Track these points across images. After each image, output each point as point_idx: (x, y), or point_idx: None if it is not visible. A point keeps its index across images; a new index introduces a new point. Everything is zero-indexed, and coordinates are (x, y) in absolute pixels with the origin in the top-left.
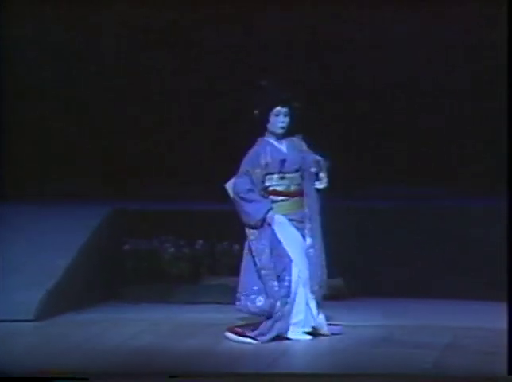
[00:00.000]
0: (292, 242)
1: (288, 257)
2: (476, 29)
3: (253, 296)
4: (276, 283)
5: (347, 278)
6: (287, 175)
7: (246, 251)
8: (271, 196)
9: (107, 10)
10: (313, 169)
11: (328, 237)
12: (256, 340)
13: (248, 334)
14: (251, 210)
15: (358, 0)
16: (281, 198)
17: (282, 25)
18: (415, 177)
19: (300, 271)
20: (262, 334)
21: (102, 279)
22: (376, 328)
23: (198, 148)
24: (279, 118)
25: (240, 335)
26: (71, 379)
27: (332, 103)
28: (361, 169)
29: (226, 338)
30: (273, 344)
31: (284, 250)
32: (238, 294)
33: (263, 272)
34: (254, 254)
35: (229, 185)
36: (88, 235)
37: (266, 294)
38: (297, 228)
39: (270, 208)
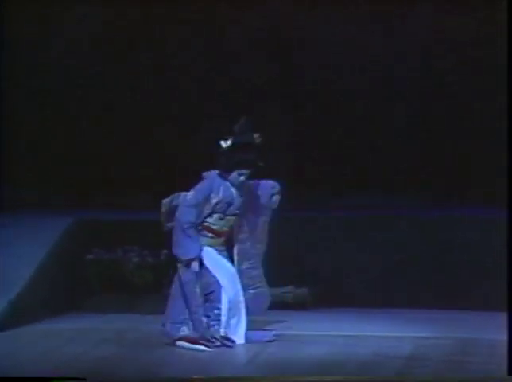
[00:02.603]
0: (220, 268)
1: (218, 283)
2: (476, 29)
3: (178, 325)
4: (204, 319)
5: (311, 287)
6: (226, 217)
7: (175, 278)
8: (204, 231)
9: (107, 10)
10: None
11: (293, 247)
12: (208, 347)
13: (200, 342)
14: (185, 245)
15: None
16: (211, 235)
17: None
18: (411, 186)
19: (229, 298)
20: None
21: (65, 289)
22: (341, 337)
23: (161, 158)
24: (240, 178)
25: (192, 342)
26: (70, 379)
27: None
28: (339, 178)
29: (178, 347)
30: (240, 350)
31: (213, 277)
32: (163, 320)
33: (193, 303)
34: (182, 282)
35: (166, 202)
36: (51, 245)
37: (193, 325)
38: (223, 255)
39: (201, 250)
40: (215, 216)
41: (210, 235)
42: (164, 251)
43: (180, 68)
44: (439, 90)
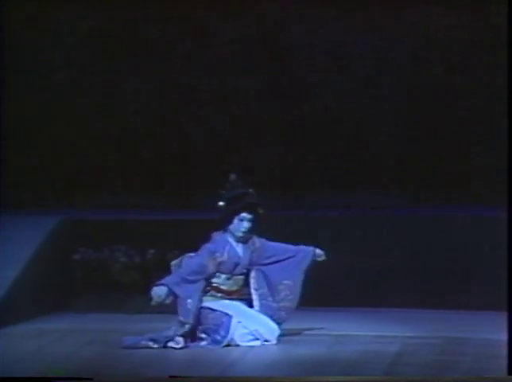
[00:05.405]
0: (225, 305)
1: (227, 314)
2: (476, 29)
3: None
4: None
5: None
6: (234, 277)
7: None
8: (212, 291)
9: (107, 10)
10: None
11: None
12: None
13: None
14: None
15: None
16: (220, 295)
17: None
18: (410, 185)
19: (240, 323)
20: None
21: (52, 289)
22: (330, 337)
23: (148, 157)
24: (243, 224)
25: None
26: (73, 379)
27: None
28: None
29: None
30: (227, 349)
31: (220, 312)
32: None
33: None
34: None
35: (175, 263)
36: (38, 245)
37: None
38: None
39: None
40: (223, 276)
41: (219, 295)
42: (152, 251)
43: (177, 68)
44: (438, 90)
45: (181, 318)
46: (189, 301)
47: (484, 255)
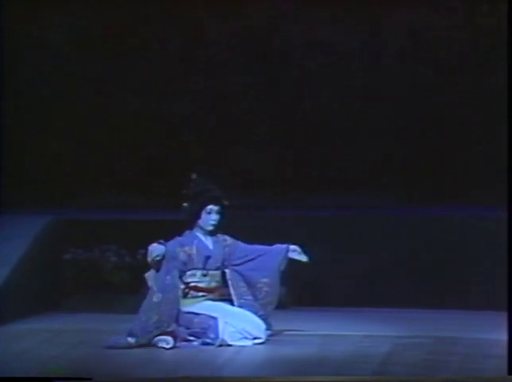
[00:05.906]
0: (208, 307)
1: (212, 317)
2: (476, 29)
3: None
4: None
5: (290, 287)
6: (209, 272)
7: None
8: (192, 292)
9: (107, 10)
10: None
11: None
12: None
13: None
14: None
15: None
16: (201, 294)
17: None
18: (409, 186)
19: (226, 323)
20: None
21: (42, 289)
22: (320, 337)
23: (139, 157)
24: (211, 216)
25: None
26: (72, 379)
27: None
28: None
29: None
30: (218, 350)
31: (204, 314)
32: None
33: None
34: None
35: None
36: (28, 244)
37: None
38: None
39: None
40: (198, 273)
41: (200, 294)
42: (142, 251)
43: (176, 68)
44: (438, 90)
45: (153, 287)
46: (168, 277)
47: (484, 255)
